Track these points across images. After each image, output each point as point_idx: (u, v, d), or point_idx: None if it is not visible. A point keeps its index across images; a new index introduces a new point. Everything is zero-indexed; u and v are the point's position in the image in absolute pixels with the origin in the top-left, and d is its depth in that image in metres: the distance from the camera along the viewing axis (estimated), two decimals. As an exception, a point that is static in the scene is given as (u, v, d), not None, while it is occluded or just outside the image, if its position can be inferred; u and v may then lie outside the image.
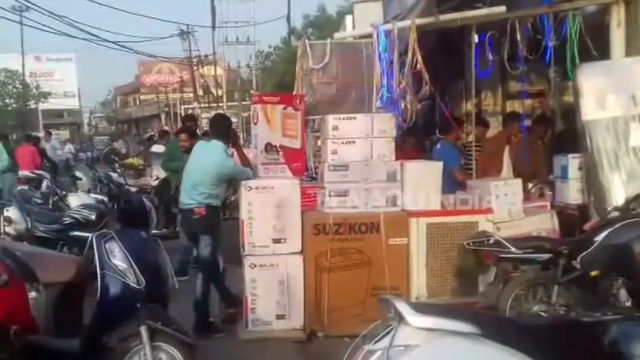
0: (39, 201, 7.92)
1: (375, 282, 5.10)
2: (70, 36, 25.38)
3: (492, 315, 3.84)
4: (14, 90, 40.01)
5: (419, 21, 5.93)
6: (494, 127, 8.45)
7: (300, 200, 5.23)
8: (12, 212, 6.68)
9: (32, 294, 3.38)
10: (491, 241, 4.65)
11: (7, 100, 39.52)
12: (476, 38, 6.02)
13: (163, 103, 41.71)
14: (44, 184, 9.82)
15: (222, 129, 5.68)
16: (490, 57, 6.12)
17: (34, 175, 10.50)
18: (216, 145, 5.47)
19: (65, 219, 6.65)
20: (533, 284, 4.64)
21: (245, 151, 6.15)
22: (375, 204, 5.25)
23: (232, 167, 5.43)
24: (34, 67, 45.57)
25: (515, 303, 4.53)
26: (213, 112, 26.81)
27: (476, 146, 6.92)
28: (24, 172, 11.35)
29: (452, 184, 5.99)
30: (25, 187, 9.38)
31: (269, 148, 5.51)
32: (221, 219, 5.61)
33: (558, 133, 7.45)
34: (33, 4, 17.69)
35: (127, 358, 3.56)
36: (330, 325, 5.09)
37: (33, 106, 40.46)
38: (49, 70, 47.82)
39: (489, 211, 5.31)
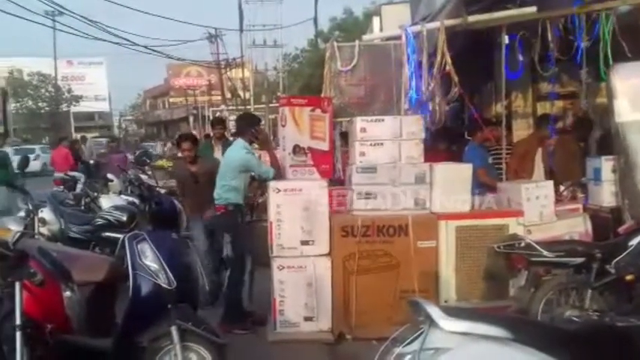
0: (72, 202, 8.06)
1: (404, 285, 5.07)
2: (101, 40, 25.88)
3: (524, 319, 3.78)
4: (47, 93, 40.99)
5: (448, 22, 5.89)
6: (524, 129, 8.35)
7: (328, 202, 5.24)
8: (46, 213, 6.83)
9: (67, 293, 3.44)
10: (522, 245, 4.59)
11: (40, 104, 40.48)
12: (506, 39, 5.96)
13: (192, 105, 42.20)
14: (79, 185, 10.00)
15: (242, 127, 5.88)
16: (520, 58, 6.06)
17: (68, 177, 10.71)
18: (238, 142, 5.77)
19: (97, 220, 6.75)
20: (565, 289, 4.55)
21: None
22: (403, 206, 5.22)
23: (248, 159, 5.54)
24: (66, 71, 46.59)
25: (547, 307, 4.46)
26: (240, 115, 27.01)
27: (506, 148, 6.83)
28: (59, 174, 11.71)
29: (481, 185, 5.93)
30: (60, 189, 9.55)
31: (297, 150, 5.53)
32: (241, 221, 5.63)
33: (600, 136, 7.31)
34: (65, 9, 18.06)
35: (157, 358, 3.60)
36: (358, 328, 5.08)
37: (65, 109, 41.35)
38: (80, 74, 48.79)
39: (520, 213, 5.23)
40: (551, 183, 5.60)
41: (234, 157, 5.64)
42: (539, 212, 5.33)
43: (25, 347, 2.99)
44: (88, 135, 25.44)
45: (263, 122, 13.82)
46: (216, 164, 6.06)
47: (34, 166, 17.64)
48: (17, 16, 16.95)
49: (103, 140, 24.20)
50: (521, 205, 5.28)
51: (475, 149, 6.67)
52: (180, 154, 7.02)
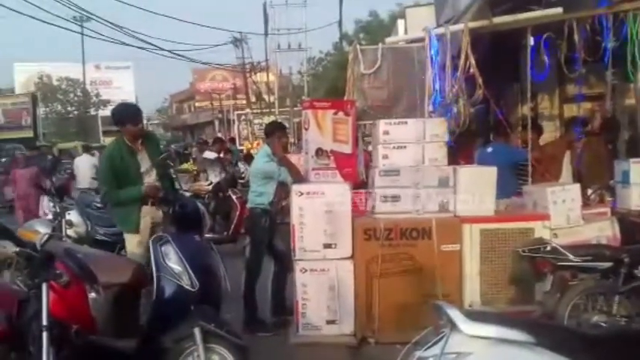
0: (98, 205, 8.19)
1: (427, 289, 5.03)
2: (128, 45, 26.31)
3: (549, 324, 3.73)
4: (75, 98, 41.72)
5: (472, 24, 5.85)
6: (551, 132, 8.23)
7: (350, 205, 5.23)
8: (73, 216, 6.95)
9: (92, 295, 3.49)
10: (548, 249, 4.52)
11: (68, 108, 41.23)
12: (531, 41, 5.88)
13: (217, 109, 42.54)
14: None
15: (266, 134, 6.05)
16: (546, 60, 5.96)
17: (92, 187, 10.97)
18: (262, 149, 6.11)
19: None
20: (592, 293, 4.47)
21: (296, 156, 6.23)
22: (426, 209, 5.18)
23: (266, 167, 5.67)
24: (94, 75, 47.39)
25: (574, 313, 4.39)
26: (265, 119, 27.26)
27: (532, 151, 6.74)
28: (81, 187, 11.96)
29: (506, 187, 5.86)
30: (86, 192, 9.72)
31: (320, 153, 5.55)
32: (269, 224, 5.66)
33: (629, 138, 7.18)
34: (93, 15, 18.40)
35: (181, 359, 3.63)
36: (380, 332, 5.06)
37: (93, 113, 42.04)
38: (107, 79, 49.57)
39: (546, 217, 5.16)
40: (578, 186, 5.51)
41: (256, 165, 5.97)
42: (566, 216, 5.24)
43: (51, 347, 3.04)
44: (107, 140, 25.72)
45: (288, 127, 13.90)
46: None
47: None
48: (46, 22, 17.34)
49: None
50: (548, 208, 5.20)
51: (500, 149, 6.63)
52: None
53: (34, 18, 16.65)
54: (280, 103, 35.98)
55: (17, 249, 3.39)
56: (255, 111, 33.99)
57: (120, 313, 3.90)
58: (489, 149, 6.97)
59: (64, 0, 16.40)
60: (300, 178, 5.55)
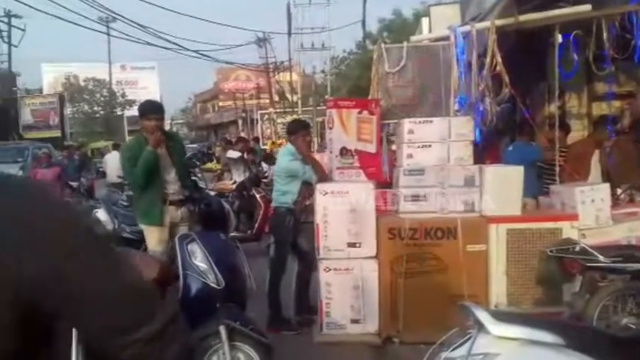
0: (125, 203, 8.30)
1: (452, 289, 4.99)
2: (154, 45, 26.60)
3: (578, 326, 3.67)
4: (101, 98, 42.37)
5: (499, 22, 5.79)
6: (579, 130, 8.10)
7: (374, 204, 5.21)
8: (101, 214, 7.06)
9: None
10: (577, 249, 4.45)
11: (95, 108, 41.89)
12: (559, 38, 5.79)
13: (240, 109, 42.81)
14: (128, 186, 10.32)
15: (289, 133, 6.06)
16: (575, 57, 5.87)
17: (119, 180, 11.07)
18: (285, 148, 6.10)
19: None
20: (622, 295, 4.38)
21: (319, 155, 6.23)
22: (452, 209, 5.14)
23: (289, 165, 5.66)
24: (120, 75, 48.03)
25: (603, 314, 4.31)
26: (288, 118, 27.35)
27: (560, 150, 6.65)
28: (111, 182, 12.20)
29: (531, 185, 5.79)
30: (114, 191, 9.86)
31: (344, 152, 5.53)
32: (293, 223, 5.67)
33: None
34: (119, 16, 18.65)
35: (206, 357, 3.65)
36: (405, 332, 5.03)
37: (119, 113, 42.63)
38: (133, 79, 50.17)
39: (574, 217, 5.08)
40: (607, 185, 5.41)
41: (280, 164, 5.95)
42: (595, 216, 5.15)
43: (80, 344, 3.08)
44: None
45: (311, 126, 13.90)
46: None
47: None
48: (74, 23, 17.63)
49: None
50: (576, 208, 5.12)
51: (522, 147, 6.55)
52: None
53: (61, 19, 16.95)
54: (303, 103, 36.07)
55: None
56: (278, 110, 34.15)
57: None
58: (510, 148, 6.93)
59: (91, 1, 16.64)
60: (324, 176, 5.56)
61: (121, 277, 1.10)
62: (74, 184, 8.91)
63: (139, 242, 6.63)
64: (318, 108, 28.37)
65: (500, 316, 2.61)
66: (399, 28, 30.42)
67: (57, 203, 1.10)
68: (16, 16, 36.30)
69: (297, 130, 5.80)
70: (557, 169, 6.39)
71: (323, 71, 39.53)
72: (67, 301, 1.04)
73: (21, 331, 1.00)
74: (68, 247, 1.02)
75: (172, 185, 5.06)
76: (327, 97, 28.86)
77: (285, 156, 5.81)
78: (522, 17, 5.85)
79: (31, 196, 1.03)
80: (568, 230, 5.02)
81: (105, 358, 1.11)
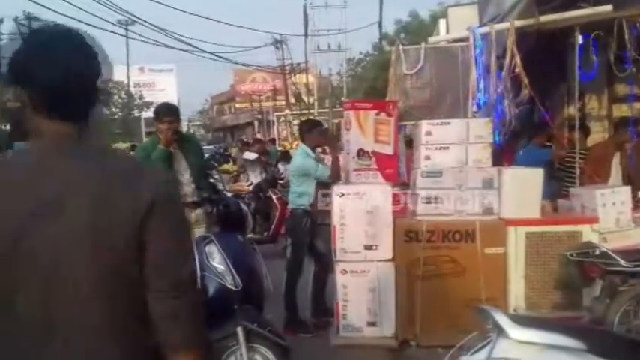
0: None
1: (470, 292, 4.94)
2: (172, 47, 26.80)
3: (600, 330, 3.63)
4: (120, 100, 42.74)
5: (518, 23, 5.74)
6: (599, 133, 8.00)
7: (391, 206, 5.19)
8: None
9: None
10: (598, 253, 4.39)
11: (113, 109, 42.27)
12: (580, 39, 5.73)
13: (257, 110, 42.96)
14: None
15: (301, 133, 6.19)
16: (595, 59, 5.81)
17: None
18: (299, 148, 6.19)
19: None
20: (644, 300, 4.33)
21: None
22: (470, 211, 5.10)
23: (303, 164, 5.70)
24: (138, 77, 48.37)
25: (624, 319, 4.25)
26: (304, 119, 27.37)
27: (580, 153, 6.57)
28: None
29: (544, 187, 5.73)
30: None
31: (361, 154, 5.52)
32: (309, 225, 5.68)
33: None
34: (138, 19, 18.81)
35: (223, 358, 3.66)
36: (422, 335, 5.00)
37: (136, 115, 42.98)
38: (151, 81, 50.47)
39: (594, 220, 5.01)
40: (628, 189, 5.33)
41: (294, 163, 6.01)
42: (616, 219, 5.08)
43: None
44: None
45: (327, 126, 13.93)
46: None
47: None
48: (93, 26, 17.80)
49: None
50: (596, 211, 5.05)
51: (532, 151, 6.50)
52: None
53: (81, 22, 17.11)
54: (319, 104, 36.11)
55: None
56: (294, 112, 34.19)
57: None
58: (520, 152, 6.88)
59: (110, 4, 16.82)
60: (337, 176, 5.56)
61: (188, 237, 1.68)
62: None
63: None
64: (334, 110, 28.39)
65: (521, 320, 2.59)
66: (416, 30, 30.32)
67: (173, 182, 1.79)
68: (36, 18, 36.82)
69: (311, 128, 5.90)
70: (577, 171, 6.31)
71: (339, 73, 39.58)
72: (156, 239, 1.46)
73: (136, 256, 1.44)
74: (173, 205, 1.54)
75: (186, 187, 5.07)
76: (343, 98, 28.87)
77: (300, 155, 5.88)
78: (543, 18, 5.80)
79: (162, 174, 1.63)
80: (588, 233, 4.95)
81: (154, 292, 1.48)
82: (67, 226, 1.40)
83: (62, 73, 1.44)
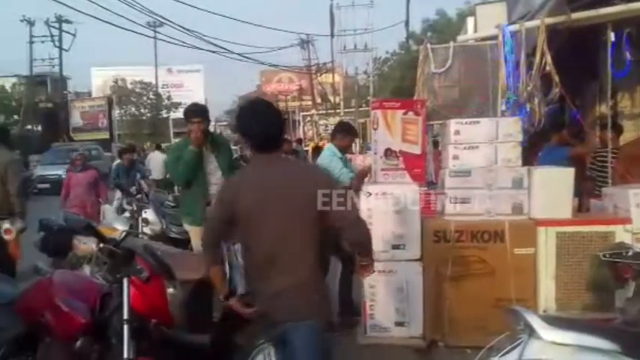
0: (172, 204, 8.46)
1: (499, 293, 4.90)
2: (199, 48, 27.06)
3: (634, 332, 3.55)
4: (148, 101, 43.27)
5: (549, 20, 5.66)
6: (631, 131, 7.84)
7: (419, 206, 5.16)
8: (149, 214, 7.20)
9: (170, 290, 3.60)
10: (631, 254, 4.30)
11: (142, 110, 42.83)
12: (612, 36, 5.63)
13: (283, 110, 43.02)
14: (176, 187, 10.48)
15: (332, 133, 6.33)
16: (628, 56, 5.69)
17: (162, 178, 11.34)
18: (328, 147, 6.29)
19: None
20: (678, 302, 4.22)
21: (362, 157, 6.27)
22: (499, 211, 5.05)
23: (327, 163, 5.72)
24: (166, 78, 48.85)
25: (658, 322, 4.15)
26: (330, 119, 27.39)
27: (612, 152, 6.45)
28: (152, 178, 12.69)
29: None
30: (160, 191, 10.02)
31: (389, 153, 5.50)
32: None
33: None
34: (166, 20, 19.05)
35: (252, 355, 3.68)
36: (450, 335, 4.97)
37: (165, 116, 43.46)
38: (179, 82, 50.86)
39: (628, 220, 4.91)
40: (662, 188, 5.21)
41: (321, 161, 6.02)
42: (650, 219, 4.97)
43: (132, 340, 3.15)
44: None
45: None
46: None
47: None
48: (122, 28, 18.09)
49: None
50: (630, 211, 4.95)
51: (551, 151, 6.41)
52: None
53: (111, 24, 17.43)
54: (345, 104, 36.04)
55: (101, 245, 3.54)
56: (320, 112, 34.20)
57: (194, 308, 4.00)
58: (540, 154, 6.80)
59: (139, 6, 17.07)
60: (359, 185, 5.53)
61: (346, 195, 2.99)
62: (132, 188, 8.80)
63: (185, 242, 6.76)
64: (360, 109, 28.33)
65: (553, 321, 2.55)
66: (443, 28, 30.13)
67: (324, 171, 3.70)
68: (67, 21, 37.54)
69: (344, 131, 6.10)
70: (610, 171, 6.20)
71: (365, 72, 39.43)
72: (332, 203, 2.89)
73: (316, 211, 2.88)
74: (333, 184, 3.09)
75: (217, 187, 5.13)
76: (369, 98, 28.79)
77: (327, 154, 5.96)
78: (574, 15, 5.70)
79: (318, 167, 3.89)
80: (621, 234, 4.86)
81: None
82: (284, 197, 2.87)
83: (267, 128, 2.96)
